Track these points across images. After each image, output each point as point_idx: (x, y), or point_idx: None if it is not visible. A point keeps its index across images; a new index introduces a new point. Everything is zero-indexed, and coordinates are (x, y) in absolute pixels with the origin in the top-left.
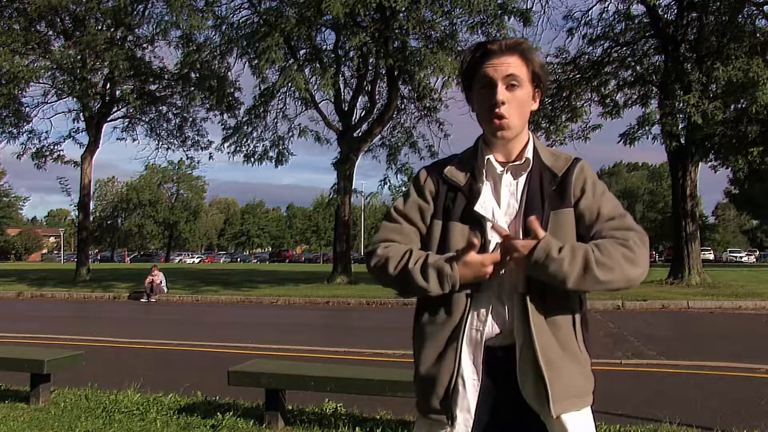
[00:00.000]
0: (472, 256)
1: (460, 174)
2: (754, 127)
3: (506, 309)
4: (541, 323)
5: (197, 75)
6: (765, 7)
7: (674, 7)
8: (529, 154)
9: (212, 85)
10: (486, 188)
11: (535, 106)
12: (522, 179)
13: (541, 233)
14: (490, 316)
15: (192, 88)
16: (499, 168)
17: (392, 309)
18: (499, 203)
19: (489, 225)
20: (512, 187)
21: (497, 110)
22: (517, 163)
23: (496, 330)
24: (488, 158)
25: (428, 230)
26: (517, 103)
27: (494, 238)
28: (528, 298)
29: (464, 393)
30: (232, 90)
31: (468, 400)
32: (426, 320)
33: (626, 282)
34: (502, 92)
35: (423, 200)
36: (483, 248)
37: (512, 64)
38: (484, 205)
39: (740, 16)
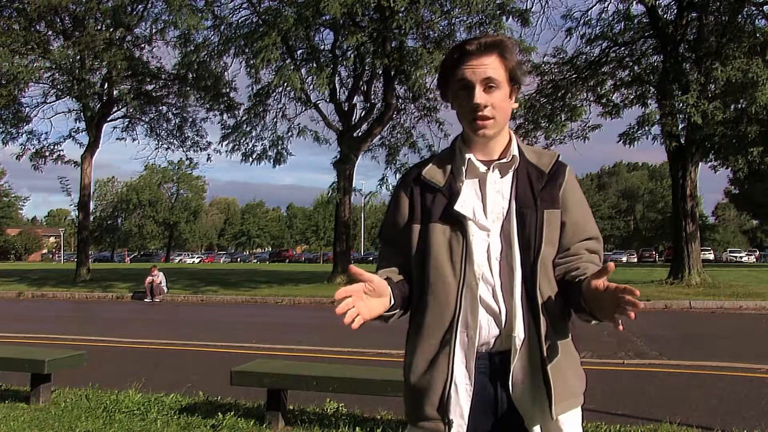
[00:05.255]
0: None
1: (439, 174)
2: (754, 127)
3: (504, 310)
4: (546, 323)
5: (194, 75)
6: (765, 7)
7: (674, 7)
8: (515, 151)
9: (208, 85)
10: (466, 187)
11: (514, 104)
12: (508, 177)
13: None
14: (486, 319)
15: (187, 88)
16: (482, 167)
17: None
18: (485, 202)
19: (470, 224)
20: (498, 186)
21: (479, 113)
22: (504, 160)
23: (495, 332)
24: (469, 158)
25: (409, 237)
26: (496, 104)
27: (476, 237)
28: (537, 297)
29: (457, 399)
30: (227, 90)
31: (461, 406)
32: (416, 326)
33: None
34: (480, 95)
35: (399, 215)
36: (465, 247)
37: (490, 66)
38: (464, 204)
39: (740, 17)
